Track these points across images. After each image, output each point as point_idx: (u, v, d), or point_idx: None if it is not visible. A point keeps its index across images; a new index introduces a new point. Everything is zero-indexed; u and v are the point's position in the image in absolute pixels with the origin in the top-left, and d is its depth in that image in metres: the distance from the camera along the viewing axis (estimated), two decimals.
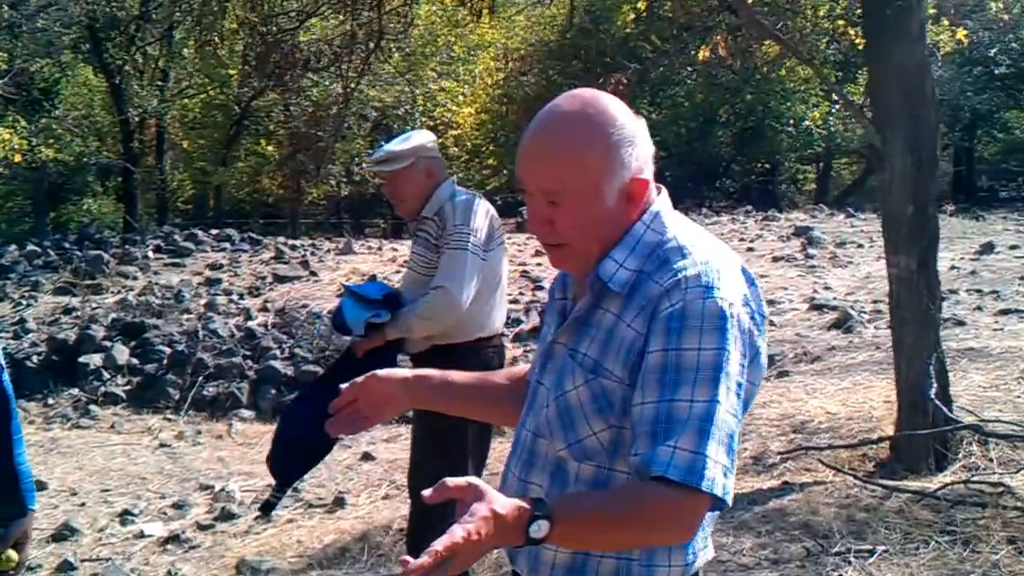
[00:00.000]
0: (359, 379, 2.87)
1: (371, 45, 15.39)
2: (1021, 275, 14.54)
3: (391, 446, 9.92)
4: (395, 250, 18.38)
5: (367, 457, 9.59)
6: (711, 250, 2.47)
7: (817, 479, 7.54)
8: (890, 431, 8.03)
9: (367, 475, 9.11)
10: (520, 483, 2.63)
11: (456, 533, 2.08)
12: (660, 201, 2.57)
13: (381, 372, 2.91)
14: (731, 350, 2.34)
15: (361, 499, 8.51)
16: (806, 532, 6.56)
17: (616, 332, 2.45)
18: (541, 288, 14.65)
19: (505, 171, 28.99)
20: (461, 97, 27.42)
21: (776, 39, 11.95)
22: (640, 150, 2.49)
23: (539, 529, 2.18)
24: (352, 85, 19.34)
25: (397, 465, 9.06)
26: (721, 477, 2.28)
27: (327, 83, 24.25)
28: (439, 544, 2.05)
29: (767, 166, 29.88)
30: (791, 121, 28.48)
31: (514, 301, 13.70)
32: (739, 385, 2.36)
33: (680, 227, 2.53)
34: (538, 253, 16.28)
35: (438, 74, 27.11)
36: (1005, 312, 12.35)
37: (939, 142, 7.81)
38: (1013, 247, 17.24)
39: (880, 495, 7.03)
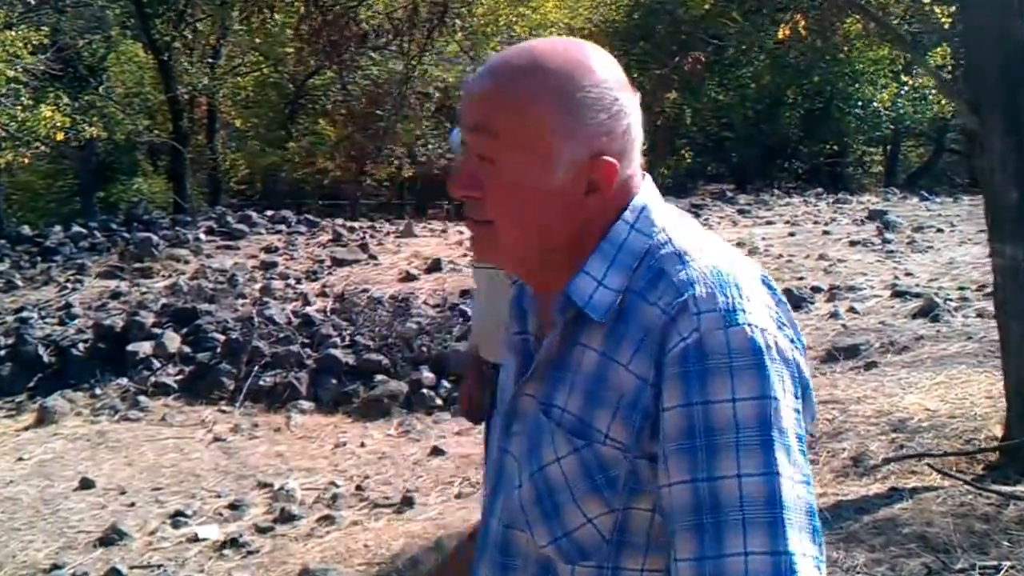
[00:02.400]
0: None
1: (435, 20, 15.05)
2: None
3: (462, 439, 9.35)
4: (461, 232, 17.74)
5: (437, 452, 9.10)
6: (720, 255, 1.79)
7: (925, 483, 7.02)
8: (996, 430, 7.61)
9: (437, 472, 8.66)
10: None
11: None
12: (646, 191, 1.88)
13: None
14: (779, 394, 1.67)
15: (431, 498, 8.07)
16: (923, 546, 6.04)
17: (608, 378, 1.76)
18: None
19: None
20: None
21: (866, 14, 11.49)
22: (618, 124, 1.80)
23: None
24: (414, 62, 18.98)
25: (470, 461, 8.63)
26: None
27: (387, 61, 23.86)
28: None
29: (835, 148, 29.58)
30: (859, 103, 28.03)
31: None
32: (800, 439, 1.69)
33: (674, 225, 1.85)
34: None
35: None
36: None
37: None
38: None
39: (996, 502, 6.52)
